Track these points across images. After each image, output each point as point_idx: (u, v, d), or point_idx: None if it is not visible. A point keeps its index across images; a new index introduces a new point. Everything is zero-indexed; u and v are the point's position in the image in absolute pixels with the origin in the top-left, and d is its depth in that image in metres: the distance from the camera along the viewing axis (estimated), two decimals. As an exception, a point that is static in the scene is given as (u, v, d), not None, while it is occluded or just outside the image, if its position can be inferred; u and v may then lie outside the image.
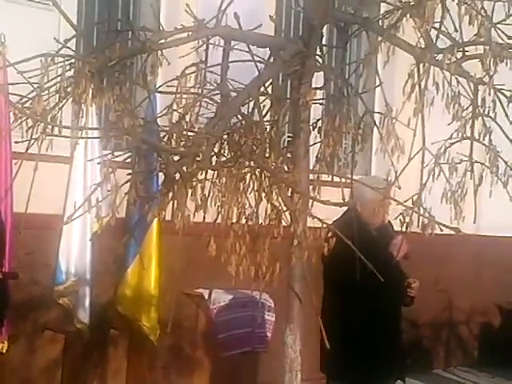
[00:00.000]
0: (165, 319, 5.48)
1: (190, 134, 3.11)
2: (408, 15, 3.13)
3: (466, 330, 8.97)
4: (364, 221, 4.89)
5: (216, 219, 3.15)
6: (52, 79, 3.11)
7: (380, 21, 3.32)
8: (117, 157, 3.19)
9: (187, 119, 3.36)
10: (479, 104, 3.41)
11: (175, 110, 3.36)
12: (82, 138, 4.13)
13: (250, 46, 3.30)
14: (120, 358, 6.06)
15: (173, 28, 3.31)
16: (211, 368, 6.21)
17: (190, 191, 2.90)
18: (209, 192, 3.13)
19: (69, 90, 3.12)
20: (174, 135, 3.25)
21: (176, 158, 2.86)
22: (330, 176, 3.47)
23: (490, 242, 8.51)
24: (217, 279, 4.13)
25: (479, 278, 8.67)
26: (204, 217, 3.19)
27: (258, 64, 3.34)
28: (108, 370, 6.05)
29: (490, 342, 8.92)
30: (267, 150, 3.02)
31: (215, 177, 3.12)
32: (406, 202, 3.28)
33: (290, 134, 3.38)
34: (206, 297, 5.95)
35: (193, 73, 3.42)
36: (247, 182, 3.01)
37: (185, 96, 3.37)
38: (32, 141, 3.08)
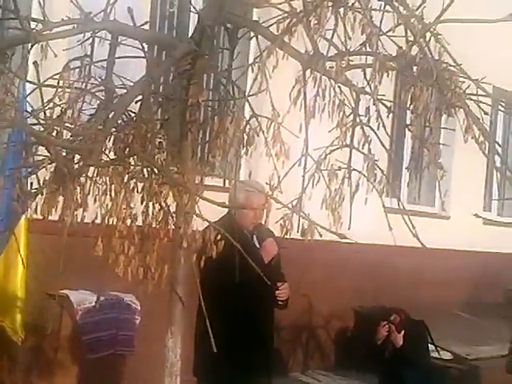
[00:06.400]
0: (29, 320, 5.28)
1: (76, 129, 3.01)
2: (299, 24, 3.16)
3: (324, 334, 9.15)
4: (238, 223, 4.91)
5: (95, 218, 3.07)
6: None
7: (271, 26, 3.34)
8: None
9: (69, 114, 3.26)
10: (361, 113, 3.49)
11: (58, 105, 3.25)
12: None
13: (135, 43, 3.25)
14: (-22, 360, 5.79)
15: (58, 19, 3.21)
16: (75, 370, 6.03)
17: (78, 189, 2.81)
18: (89, 190, 3.04)
19: None
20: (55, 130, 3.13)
21: (64, 153, 2.76)
22: (214, 178, 3.47)
23: (350, 249, 8.72)
24: (86, 280, 4.05)
25: (338, 284, 8.87)
26: (83, 216, 3.09)
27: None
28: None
29: (346, 345, 9.14)
30: (156, 149, 2.97)
31: (96, 175, 3.03)
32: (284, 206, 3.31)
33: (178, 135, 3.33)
34: (72, 298, 5.80)
35: (77, 68, 3.33)
36: (135, 181, 2.94)
37: (68, 90, 3.27)
38: None
